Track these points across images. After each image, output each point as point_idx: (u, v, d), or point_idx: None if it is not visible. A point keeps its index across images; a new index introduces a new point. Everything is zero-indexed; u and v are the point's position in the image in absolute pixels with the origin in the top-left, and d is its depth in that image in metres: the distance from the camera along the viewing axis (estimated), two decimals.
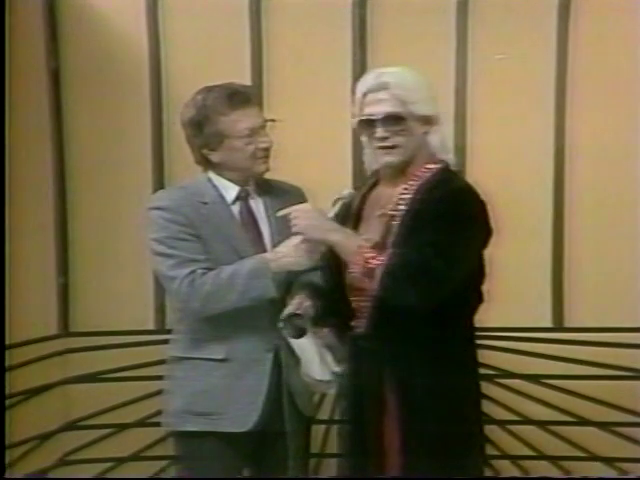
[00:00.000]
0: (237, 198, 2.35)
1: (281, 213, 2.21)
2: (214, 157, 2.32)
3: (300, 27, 3.22)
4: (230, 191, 2.35)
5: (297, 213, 2.13)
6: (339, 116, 3.20)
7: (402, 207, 2.13)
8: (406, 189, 2.16)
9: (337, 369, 2.23)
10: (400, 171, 2.19)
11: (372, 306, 2.14)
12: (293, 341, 2.20)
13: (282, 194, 2.41)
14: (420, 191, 2.13)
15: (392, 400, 2.12)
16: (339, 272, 2.22)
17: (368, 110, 2.16)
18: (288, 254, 2.19)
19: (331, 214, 2.18)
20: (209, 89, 2.32)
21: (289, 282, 2.28)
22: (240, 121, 2.27)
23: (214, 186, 2.35)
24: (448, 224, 2.05)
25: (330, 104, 3.21)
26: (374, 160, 2.22)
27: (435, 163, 2.19)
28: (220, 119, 2.27)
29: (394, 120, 2.13)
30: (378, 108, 2.14)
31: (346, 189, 2.25)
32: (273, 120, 2.35)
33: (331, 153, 3.23)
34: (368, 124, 2.17)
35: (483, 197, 2.15)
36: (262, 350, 2.26)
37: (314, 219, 2.12)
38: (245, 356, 2.28)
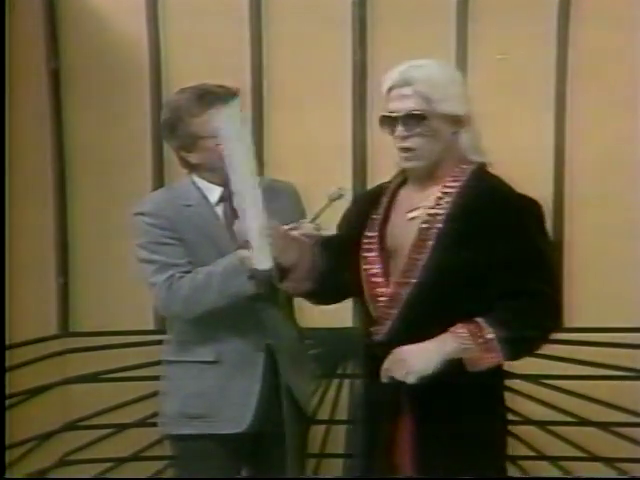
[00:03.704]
0: (221, 199, 2.34)
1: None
2: (191, 158, 2.33)
3: (300, 27, 3.22)
4: (213, 192, 2.35)
5: (402, 357, 1.95)
6: (339, 116, 3.21)
7: (440, 211, 2.00)
8: (442, 192, 2.02)
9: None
10: (428, 173, 2.05)
11: (397, 314, 2.02)
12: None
13: (269, 192, 2.39)
14: (461, 195, 2.01)
15: (407, 407, 2.03)
16: (356, 272, 2.11)
17: (391, 106, 2.01)
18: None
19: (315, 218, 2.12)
20: (182, 90, 2.33)
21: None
22: (212, 121, 2.26)
23: (198, 188, 2.35)
24: (528, 240, 1.98)
25: (330, 104, 3.21)
26: (398, 161, 2.07)
27: (468, 164, 2.06)
28: (192, 120, 2.27)
29: (416, 119, 1.98)
30: (400, 105, 1.98)
31: (333, 187, 2.12)
32: None
33: (331, 153, 3.22)
34: (390, 121, 2.01)
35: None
36: (252, 350, 2.26)
37: (419, 352, 1.94)
38: (236, 357, 2.29)
